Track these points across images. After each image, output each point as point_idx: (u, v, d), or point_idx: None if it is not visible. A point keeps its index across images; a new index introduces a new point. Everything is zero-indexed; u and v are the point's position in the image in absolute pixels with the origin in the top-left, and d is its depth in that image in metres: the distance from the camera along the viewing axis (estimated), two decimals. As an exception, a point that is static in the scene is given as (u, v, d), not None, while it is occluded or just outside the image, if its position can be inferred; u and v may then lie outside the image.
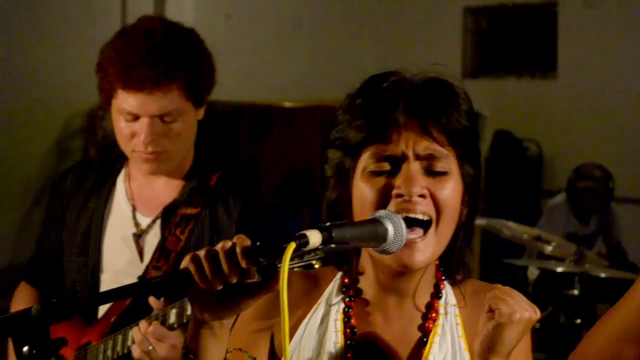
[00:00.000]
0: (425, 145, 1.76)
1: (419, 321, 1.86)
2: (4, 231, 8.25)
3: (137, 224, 2.77)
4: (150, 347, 2.51)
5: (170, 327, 2.49)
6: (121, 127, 2.64)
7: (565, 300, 4.70)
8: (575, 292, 4.66)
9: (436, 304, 1.86)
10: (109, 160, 2.84)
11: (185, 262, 1.60)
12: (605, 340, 2.22)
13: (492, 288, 1.81)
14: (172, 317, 2.49)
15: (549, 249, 5.03)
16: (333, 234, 1.56)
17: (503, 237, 5.27)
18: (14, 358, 2.39)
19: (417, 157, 1.76)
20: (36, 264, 2.95)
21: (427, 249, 1.76)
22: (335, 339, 1.84)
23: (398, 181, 1.75)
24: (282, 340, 1.52)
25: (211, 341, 1.68)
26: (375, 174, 1.77)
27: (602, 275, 4.87)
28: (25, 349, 1.57)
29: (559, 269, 4.96)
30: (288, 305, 1.83)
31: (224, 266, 1.57)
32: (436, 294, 1.87)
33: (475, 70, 9.21)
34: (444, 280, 1.88)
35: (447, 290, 1.88)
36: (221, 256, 1.58)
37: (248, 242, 1.57)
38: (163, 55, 2.57)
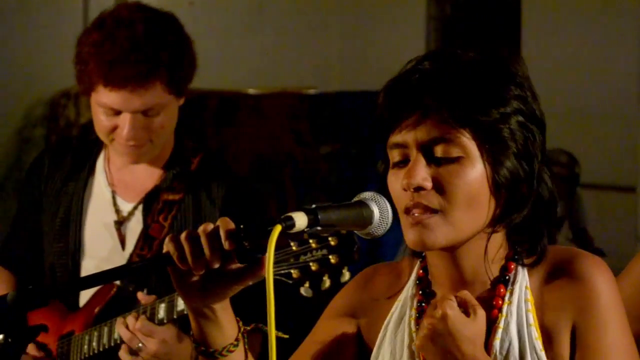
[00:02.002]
0: (425, 130, 1.67)
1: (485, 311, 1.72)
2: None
3: (117, 211, 2.73)
4: (140, 344, 2.47)
5: (160, 322, 2.46)
6: (101, 119, 2.61)
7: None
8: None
9: (500, 290, 1.74)
10: (87, 143, 2.79)
11: (166, 244, 1.57)
12: None
13: (570, 253, 1.73)
14: (162, 312, 2.46)
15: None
16: (319, 216, 1.53)
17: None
18: None
19: (419, 144, 1.68)
20: (11, 247, 2.90)
21: (437, 228, 1.67)
22: (408, 341, 1.77)
23: (404, 174, 1.69)
24: (268, 329, 1.49)
25: (210, 327, 1.64)
26: (394, 165, 1.73)
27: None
28: (0, 337, 1.54)
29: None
30: (372, 300, 1.84)
31: (206, 249, 1.54)
32: (500, 279, 1.75)
33: (439, 56, 9.23)
34: (515, 260, 1.75)
35: (519, 272, 1.75)
36: (203, 238, 1.54)
37: (232, 225, 1.54)
38: (145, 52, 2.53)
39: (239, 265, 1.58)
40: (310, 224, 1.52)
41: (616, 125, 8.27)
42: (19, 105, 8.72)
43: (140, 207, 2.70)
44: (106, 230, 2.72)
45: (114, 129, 2.59)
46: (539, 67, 8.78)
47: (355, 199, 1.65)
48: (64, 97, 7.92)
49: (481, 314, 1.70)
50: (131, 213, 2.72)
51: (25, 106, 8.75)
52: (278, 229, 1.48)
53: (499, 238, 1.75)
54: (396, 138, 1.70)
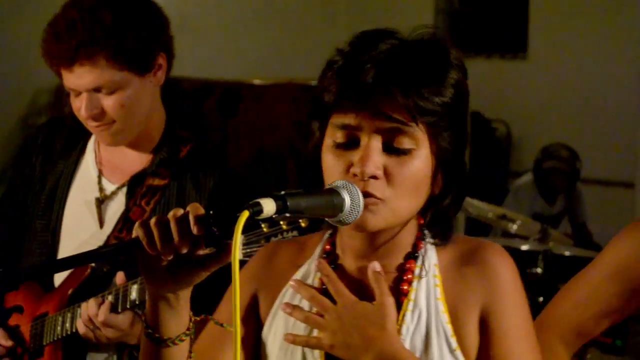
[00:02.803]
0: (387, 119, 1.67)
1: (394, 284, 1.79)
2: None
3: (101, 189, 2.73)
4: (97, 331, 2.50)
5: (132, 303, 2.46)
6: (72, 101, 2.64)
7: (529, 279, 4.70)
8: (539, 270, 4.66)
9: (411, 265, 1.79)
10: (80, 122, 2.80)
11: (135, 229, 1.57)
12: (570, 307, 2.22)
13: (478, 243, 1.79)
14: (134, 293, 2.46)
15: (513, 227, 5.04)
16: (288, 203, 1.52)
17: (468, 216, 5.26)
18: None
19: (378, 131, 1.67)
20: None
21: (380, 213, 1.69)
22: (309, 308, 1.80)
23: (355, 158, 1.68)
24: (232, 313, 1.49)
25: (169, 313, 1.65)
26: (338, 145, 1.71)
27: (566, 253, 4.88)
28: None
29: (523, 247, 4.96)
30: (275, 274, 1.85)
31: (174, 234, 1.54)
32: (411, 254, 1.79)
33: (445, 50, 9.22)
34: (423, 240, 1.80)
35: (428, 250, 1.80)
36: (172, 223, 1.54)
37: (201, 211, 1.54)
38: (78, 29, 2.54)
39: (206, 251, 1.59)
40: (279, 211, 1.52)
41: (616, 121, 8.26)
42: (24, 93, 8.74)
43: (124, 189, 2.70)
44: (87, 207, 2.72)
45: (80, 110, 2.61)
46: (545, 61, 8.77)
47: (327, 186, 1.65)
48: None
49: (389, 301, 1.74)
50: (114, 193, 2.72)
51: (29, 94, 8.78)
52: (245, 215, 1.47)
53: (413, 219, 1.79)
54: (347, 119, 1.69)
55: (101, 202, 2.72)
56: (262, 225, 2.15)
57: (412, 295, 1.77)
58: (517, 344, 1.75)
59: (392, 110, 1.67)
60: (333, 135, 1.71)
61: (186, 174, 2.67)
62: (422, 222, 1.80)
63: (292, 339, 1.77)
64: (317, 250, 1.86)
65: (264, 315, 1.85)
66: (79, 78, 2.55)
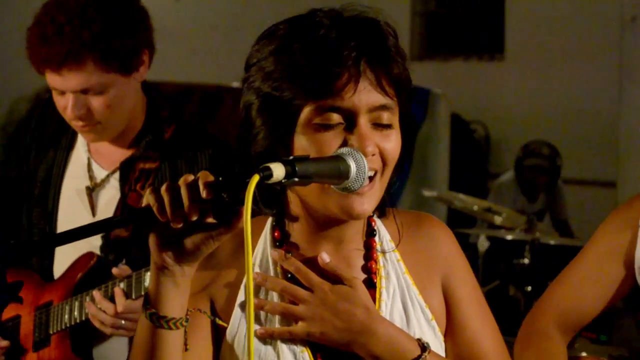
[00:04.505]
0: (376, 98, 1.68)
1: (361, 262, 1.80)
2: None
3: (91, 177, 2.73)
4: (123, 322, 2.49)
5: (147, 290, 2.47)
6: (56, 99, 2.64)
7: (516, 270, 4.72)
8: (526, 261, 4.68)
9: (374, 243, 1.82)
10: None
11: (146, 197, 1.57)
12: (566, 292, 2.25)
13: (418, 216, 1.85)
14: (148, 280, 2.46)
15: (499, 219, 5.06)
16: (297, 168, 1.53)
17: (451, 207, 5.28)
18: None
19: (370, 109, 1.68)
20: None
21: (374, 197, 1.70)
22: (277, 297, 1.77)
23: (352, 139, 1.66)
24: (247, 293, 1.49)
25: (172, 290, 1.64)
26: (323, 127, 1.67)
27: (552, 242, 4.90)
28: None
29: (510, 237, 4.98)
30: (219, 268, 1.81)
31: (185, 199, 1.53)
32: (371, 232, 1.82)
33: (423, 52, 9.25)
34: (373, 216, 1.83)
35: (379, 227, 1.84)
36: (182, 189, 1.54)
37: (211, 177, 1.54)
38: (67, 33, 2.53)
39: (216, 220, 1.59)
40: (287, 175, 1.52)
41: (596, 121, 8.31)
42: (2, 101, 8.71)
43: (116, 175, 2.70)
44: (78, 196, 2.72)
45: (65, 109, 2.61)
46: (522, 63, 8.82)
47: (333, 153, 1.66)
48: (47, 92, 7.91)
49: (358, 281, 1.75)
50: (105, 180, 2.72)
51: (8, 102, 8.75)
52: (256, 178, 1.48)
53: None
54: (339, 102, 1.67)
55: (92, 190, 2.72)
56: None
57: (382, 272, 1.80)
58: (477, 307, 1.85)
59: (381, 86, 1.68)
60: (312, 118, 1.67)
61: (175, 154, 2.67)
62: None
63: (271, 333, 1.75)
64: (264, 239, 1.83)
65: (225, 315, 1.79)
66: (66, 80, 2.55)
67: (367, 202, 1.68)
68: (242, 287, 1.80)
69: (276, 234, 1.82)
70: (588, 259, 2.26)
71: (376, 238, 1.82)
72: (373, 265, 1.80)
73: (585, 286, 2.24)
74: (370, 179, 1.69)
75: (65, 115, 2.62)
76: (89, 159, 2.75)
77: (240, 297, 1.79)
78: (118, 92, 2.60)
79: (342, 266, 1.77)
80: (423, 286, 1.81)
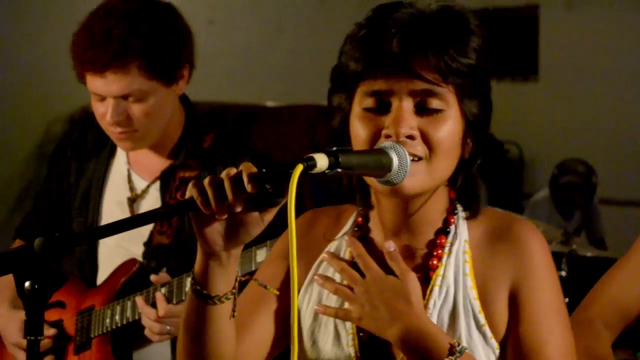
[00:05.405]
0: (418, 82, 1.70)
1: (425, 257, 1.81)
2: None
3: (132, 188, 2.76)
4: (169, 327, 2.52)
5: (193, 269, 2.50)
6: (95, 106, 2.67)
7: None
8: (563, 273, 4.65)
9: (441, 240, 1.81)
10: None
11: (189, 190, 1.59)
12: (613, 290, 2.24)
13: (512, 220, 1.80)
14: (189, 284, 2.48)
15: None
16: (340, 159, 1.55)
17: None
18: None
19: (411, 93, 1.71)
20: (32, 220, 2.93)
21: (418, 175, 1.70)
22: (341, 281, 1.82)
23: (387, 121, 1.70)
24: (291, 274, 1.51)
25: (219, 272, 1.66)
26: (367, 111, 1.73)
27: (589, 254, 4.87)
28: (27, 284, 1.55)
29: (547, 249, 4.93)
30: (311, 244, 1.88)
31: (228, 192, 1.55)
32: (442, 230, 1.81)
33: (456, 73, 9.25)
34: (455, 214, 1.82)
35: (460, 225, 1.82)
36: (226, 182, 1.56)
37: (254, 169, 1.56)
38: (116, 37, 2.56)
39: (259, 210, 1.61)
40: (331, 166, 1.54)
41: (630, 141, 8.27)
42: (39, 121, 8.79)
43: (157, 185, 2.73)
44: (119, 207, 2.75)
45: (104, 115, 2.63)
46: (556, 84, 8.80)
47: (375, 147, 1.68)
48: (83, 112, 7.98)
49: (411, 276, 1.76)
50: (145, 191, 2.75)
51: (45, 123, 8.83)
52: (300, 168, 1.49)
53: (443, 190, 1.82)
54: (378, 85, 1.71)
55: (133, 201, 2.74)
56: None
57: (440, 271, 1.79)
58: (546, 321, 1.75)
59: (424, 71, 1.70)
60: (361, 103, 1.74)
61: (215, 161, 2.70)
62: (453, 195, 1.83)
63: (323, 310, 1.80)
64: (349, 223, 1.89)
65: (299, 284, 1.86)
66: (108, 84, 2.58)
67: (408, 178, 1.68)
68: (316, 262, 1.86)
69: (359, 219, 1.86)
70: (637, 258, 2.25)
71: (448, 237, 1.81)
72: (434, 263, 1.80)
73: (634, 283, 2.23)
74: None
75: (103, 122, 2.65)
76: (128, 170, 2.78)
77: (313, 271, 1.86)
78: (158, 101, 2.63)
79: (403, 257, 1.79)
80: (486, 290, 1.78)
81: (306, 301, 1.86)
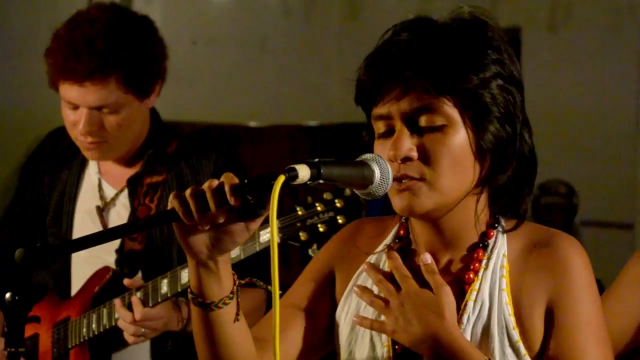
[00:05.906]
0: (408, 101, 1.70)
1: (461, 271, 1.80)
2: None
3: (102, 197, 2.78)
4: (143, 330, 2.51)
5: (164, 297, 2.50)
6: (66, 114, 2.69)
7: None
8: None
9: (479, 254, 1.79)
10: None
11: (170, 201, 1.59)
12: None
13: (553, 235, 1.77)
14: (164, 287, 2.50)
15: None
16: (321, 170, 1.56)
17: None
18: None
19: (402, 114, 1.71)
20: (4, 231, 2.91)
21: (421, 195, 1.71)
22: (379, 292, 1.82)
23: (389, 145, 1.73)
24: (272, 289, 1.51)
25: (210, 279, 1.67)
26: (380, 136, 1.76)
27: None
28: (8, 295, 1.55)
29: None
30: (354, 254, 1.89)
31: (211, 205, 1.56)
32: (479, 244, 1.80)
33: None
34: (495, 228, 1.80)
35: (499, 239, 1.80)
36: (208, 194, 1.56)
37: (236, 180, 1.57)
38: (99, 49, 2.59)
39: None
40: (313, 177, 1.55)
41: (613, 162, 8.29)
42: (19, 141, 8.75)
43: (125, 193, 2.75)
44: (89, 216, 2.76)
45: (75, 124, 2.64)
46: (538, 105, 8.82)
47: (358, 159, 1.68)
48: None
49: (446, 290, 1.76)
50: (114, 199, 2.77)
51: (25, 142, 8.79)
52: (281, 179, 1.51)
53: (481, 203, 1.80)
54: (380, 110, 1.74)
55: (102, 209, 2.76)
56: (298, 209, 2.20)
57: (476, 285, 1.77)
58: (582, 338, 1.72)
59: (411, 91, 1.70)
60: (376, 128, 1.77)
61: (181, 165, 2.71)
62: (494, 209, 1.81)
63: (359, 321, 1.81)
64: (392, 235, 1.89)
65: (339, 294, 1.88)
66: (85, 94, 2.59)
67: (414, 198, 1.70)
68: (357, 272, 1.87)
69: (401, 231, 1.86)
70: (621, 292, 2.23)
71: (487, 250, 1.79)
72: (470, 277, 1.78)
73: (618, 316, 2.20)
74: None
75: (73, 130, 2.66)
76: (99, 180, 2.80)
77: (353, 281, 1.86)
78: (130, 114, 2.66)
79: (441, 271, 1.79)
80: (521, 306, 1.75)
81: (345, 311, 1.87)
